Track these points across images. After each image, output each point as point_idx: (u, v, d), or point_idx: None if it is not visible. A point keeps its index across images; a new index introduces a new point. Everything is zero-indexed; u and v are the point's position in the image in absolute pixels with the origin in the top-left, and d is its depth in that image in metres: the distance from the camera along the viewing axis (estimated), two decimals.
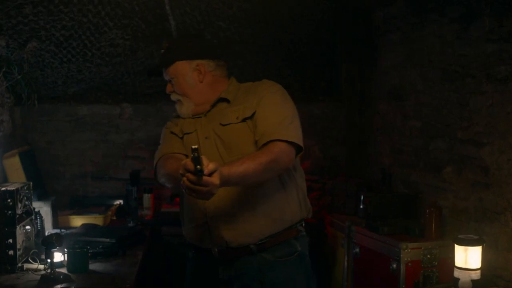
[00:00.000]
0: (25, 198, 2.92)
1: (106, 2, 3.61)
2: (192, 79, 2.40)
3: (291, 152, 2.23)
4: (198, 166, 1.84)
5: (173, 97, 2.47)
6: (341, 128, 4.62)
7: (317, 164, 4.49)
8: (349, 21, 4.33)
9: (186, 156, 2.36)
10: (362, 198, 3.89)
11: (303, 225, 2.44)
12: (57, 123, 4.37)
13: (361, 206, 3.88)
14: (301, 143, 2.26)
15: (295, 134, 2.26)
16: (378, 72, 4.27)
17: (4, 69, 3.63)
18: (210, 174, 1.88)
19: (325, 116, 4.57)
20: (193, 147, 1.86)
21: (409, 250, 3.20)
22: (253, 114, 2.30)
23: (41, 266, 2.78)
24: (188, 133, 2.44)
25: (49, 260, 2.65)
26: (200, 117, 2.44)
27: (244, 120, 2.32)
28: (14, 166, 3.64)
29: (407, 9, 3.84)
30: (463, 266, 2.89)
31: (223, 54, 2.54)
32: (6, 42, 3.66)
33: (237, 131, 2.32)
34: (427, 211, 3.35)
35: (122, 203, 4.14)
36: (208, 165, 1.86)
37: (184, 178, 1.90)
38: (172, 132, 2.48)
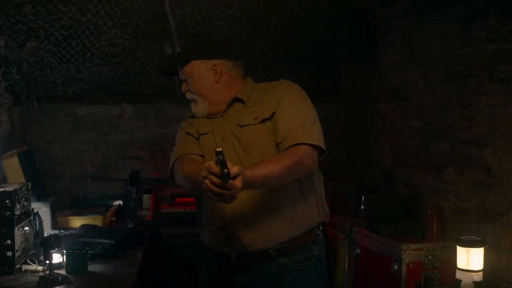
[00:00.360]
0: (23, 199, 2.89)
1: (105, 1, 3.58)
2: (208, 79, 2.37)
3: (314, 155, 2.20)
4: (226, 170, 1.81)
5: (188, 95, 2.43)
6: (341, 128, 4.60)
7: (318, 164, 4.40)
8: (349, 20, 4.31)
9: (203, 157, 2.35)
10: (363, 199, 3.88)
11: (320, 229, 2.43)
12: (56, 124, 4.35)
13: (362, 207, 3.87)
14: (323, 146, 2.23)
15: (318, 136, 2.23)
16: (379, 72, 4.25)
17: (2, 69, 3.62)
18: (233, 178, 1.85)
19: (325, 117, 4.38)
20: (217, 149, 1.83)
21: (411, 251, 3.18)
22: (272, 115, 2.27)
23: (40, 268, 2.76)
24: (204, 134, 2.40)
25: (47, 262, 2.63)
26: (217, 117, 2.41)
27: (262, 121, 2.29)
28: (13, 166, 3.61)
29: (407, 9, 3.81)
30: (465, 268, 2.87)
31: (240, 53, 2.51)
32: (4, 41, 3.65)
33: (255, 132, 2.29)
34: (429, 212, 3.34)
35: (121, 203, 4.12)
36: (232, 168, 1.83)
37: (207, 181, 1.87)
38: (187, 133, 2.44)
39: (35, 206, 3.29)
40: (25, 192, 2.94)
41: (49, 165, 4.32)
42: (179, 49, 2.47)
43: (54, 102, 4.32)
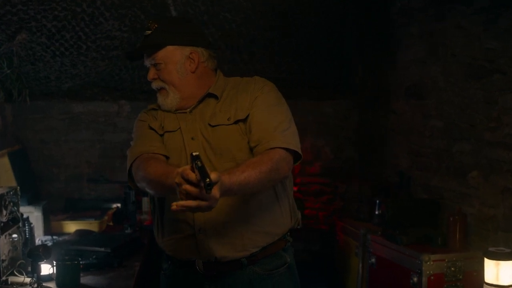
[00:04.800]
0: (11, 204, 2.76)
1: None
2: (184, 68, 2.22)
3: (290, 160, 2.11)
4: (208, 179, 1.64)
5: (156, 84, 2.24)
6: (354, 127, 4.59)
7: (328, 165, 4.48)
8: (364, 13, 4.26)
9: (167, 157, 2.19)
10: (377, 203, 3.79)
11: (289, 234, 2.33)
12: (51, 121, 4.31)
13: (377, 212, 3.79)
14: (299, 150, 2.14)
15: (294, 140, 2.14)
16: (395, 68, 4.22)
17: None
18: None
19: (337, 115, 4.54)
20: (194, 153, 1.71)
21: (432, 262, 3.11)
22: (247, 116, 2.16)
23: (28, 280, 2.62)
24: (170, 131, 2.25)
25: (35, 274, 2.54)
26: (185, 112, 2.25)
27: (236, 122, 2.17)
28: (3, 167, 3.53)
29: (426, 0, 3.75)
30: (494, 283, 2.76)
31: (213, 44, 2.32)
32: None
33: (228, 134, 2.17)
34: (451, 219, 3.27)
35: (119, 207, 4.01)
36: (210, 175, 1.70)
37: (181, 189, 1.74)
38: (150, 127, 2.27)
39: (26, 210, 3.23)
40: (13, 196, 2.80)
41: (42, 165, 4.29)
42: (149, 32, 2.26)
43: (48, 99, 4.26)
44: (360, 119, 4.52)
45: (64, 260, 2.64)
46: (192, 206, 1.74)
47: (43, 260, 2.56)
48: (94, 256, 2.92)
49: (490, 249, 2.79)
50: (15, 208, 2.80)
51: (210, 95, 2.24)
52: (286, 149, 2.08)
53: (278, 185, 2.19)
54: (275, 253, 2.24)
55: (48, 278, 2.61)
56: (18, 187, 2.88)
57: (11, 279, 2.62)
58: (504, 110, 3.05)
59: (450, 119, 3.53)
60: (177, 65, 2.21)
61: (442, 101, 3.61)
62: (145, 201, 3.91)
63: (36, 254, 2.54)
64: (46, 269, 2.63)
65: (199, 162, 1.67)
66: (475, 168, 3.30)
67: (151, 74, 2.23)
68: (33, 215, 3.34)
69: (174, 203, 1.76)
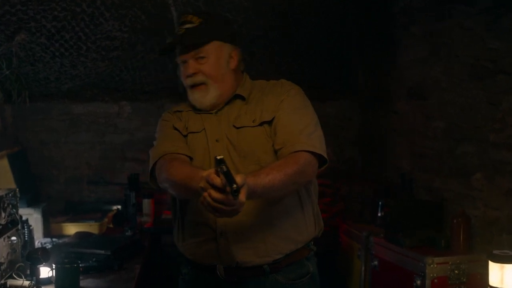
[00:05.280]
0: (10, 206, 2.74)
1: None
2: (226, 64, 2.20)
3: (315, 164, 2.07)
4: (235, 185, 1.62)
5: (197, 79, 2.18)
6: (355, 128, 4.57)
7: (330, 166, 4.30)
8: (364, 13, 4.22)
9: (190, 158, 2.16)
10: (380, 205, 3.73)
11: (313, 243, 2.30)
12: (51, 123, 4.30)
13: (379, 214, 3.73)
14: (325, 155, 2.10)
15: (320, 144, 2.10)
16: (397, 68, 4.16)
17: None
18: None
19: (338, 115, 4.53)
20: (218, 157, 1.66)
21: (435, 265, 3.04)
22: (273, 118, 2.13)
23: (27, 283, 2.59)
24: (194, 132, 2.22)
25: (34, 277, 2.52)
26: (211, 113, 2.22)
27: (261, 124, 2.14)
28: (2, 169, 3.53)
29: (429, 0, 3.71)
30: (499, 286, 2.69)
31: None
32: None
33: (252, 136, 2.14)
34: (454, 221, 3.21)
35: (120, 209, 4.03)
36: (236, 179, 1.66)
37: (206, 194, 1.72)
38: (175, 128, 2.24)
39: (26, 212, 3.23)
40: (12, 198, 2.78)
41: (42, 167, 4.28)
42: (190, 25, 2.19)
43: (48, 100, 4.25)
44: (361, 120, 4.49)
45: (64, 263, 2.62)
46: (215, 207, 1.71)
47: (42, 263, 2.54)
48: (94, 259, 2.91)
49: (495, 252, 2.74)
50: (14, 210, 2.78)
51: (237, 97, 2.21)
52: (312, 153, 2.04)
53: (303, 191, 2.17)
54: (298, 261, 2.21)
55: (48, 281, 2.59)
56: (17, 189, 2.86)
57: (10, 282, 2.60)
58: (509, 111, 3.00)
59: (453, 120, 3.48)
60: (222, 60, 2.18)
61: (444, 102, 3.56)
62: (146, 202, 3.90)
63: (35, 257, 2.52)
64: (45, 272, 2.62)
65: (224, 167, 1.63)
66: (478, 169, 3.25)
67: (192, 67, 2.17)
68: (33, 217, 3.33)
69: (202, 198, 1.73)
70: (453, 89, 3.48)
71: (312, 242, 2.27)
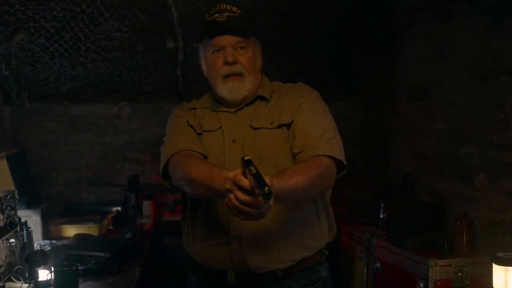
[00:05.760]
0: (8, 208, 2.73)
1: None
2: (260, 60, 2.19)
3: (335, 169, 2.02)
4: (266, 188, 1.54)
5: (238, 68, 2.11)
6: (357, 129, 4.51)
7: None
8: (367, 12, 4.18)
9: (205, 157, 2.09)
10: (382, 206, 3.72)
11: (325, 248, 2.27)
12: (50, 124, 4.26)
13: (381, 216, 3.72)
14: (344, 161, 2.05)
15: (339, 150, 2.06)
16: (399, 69, 4.15)
17: None
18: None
19: (339, 116, 4.33)
20: (245, 158, 1.63)
21: (438, 268, 3.04)
22: (291, 121, 2.09)
23: (25, 286, 2.59)
24: (209, 131, 2.16)
25: (33, 280, 2.51)
26: (229, 112, 2.16)
27: (279, 126, 2.09)
28: (1, 170, 3.52)
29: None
30: None
31: None
32: None
33: (270, 138, 2.09)
34: (457, 223, 3.21)
35: (119, 210, 4.01)
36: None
37: (232, 196, 1.67)
38: (189, 124, 2.18)
39: (25, 214, 3.21)
40: (11, 200, 2.76)
41: (41, 168, 4.22)
42: (230, 14, 2.12)
43: (47, 101, 4.21)
44: (363, 121, 4.46)
45: (63, 265, 2.57)
46: (242, 210, 1.66)
47: (41, 266, 2.53)
48: (93, 261, 2.88)
49: (499, 254, 2.71)
50: (13, 212, 2.76)
51: (257, 97, 2.17)
52: (331, 158, 2.00)
53: (318, 196, 2.13)
54: (311, 266, 2.17)
55: (46, 284, 2.58)
56: (16, 191, 2.84)
57: (8, 285, 2.60)
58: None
59: (455, 120, 3.47)
60: (257, 56, 2.16)
61: (446, 103, 3.55)
62: (146, 204, 3.88)
63: (34, 260, 2.51)
64: (44, 275, 2.59)
65: (253, 168, 1.59)
66: (481, 171, 3.24)
67: (232, 55, 2.10)
68: (32, 219, 3.32)
69: (227, 200, 1.69)
70: (455, 90, 3.47)
71: (324, 247, 2.25)
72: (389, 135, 4.27)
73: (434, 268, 3.00)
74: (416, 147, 3.91)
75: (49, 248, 3.27)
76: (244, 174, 1.64)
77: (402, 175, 3.88)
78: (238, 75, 2.10)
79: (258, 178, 1.57)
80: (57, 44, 3.80)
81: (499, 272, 2.67)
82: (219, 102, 2.19)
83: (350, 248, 3.83)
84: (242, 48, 2.10)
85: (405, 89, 4.03)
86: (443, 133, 3.59)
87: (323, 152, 1.98)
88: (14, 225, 2.75)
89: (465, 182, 3.38)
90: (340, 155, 2.03)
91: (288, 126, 2.08)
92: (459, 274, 3.03)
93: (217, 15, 2.10)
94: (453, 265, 3.04)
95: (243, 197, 1.64)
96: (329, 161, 1.97)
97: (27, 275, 2.62)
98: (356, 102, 4.49)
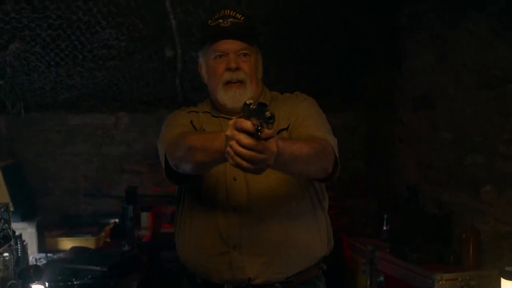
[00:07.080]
0: (2, 221, 2.67)
1: None
2: (261, 69, 2.19)
3: (333, 157, 1.95)
4: (268, 113, 1.45)
5: (240, 75, 2.09)
6: (360, 139, 4.50)
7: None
8: (370, 19, 4.12)
9: None
10: (385, 218, 3.68)
11: (322, 261, 2.25)
12: (46, 134, 4.27)
13: (385, 228, 3.67)
14: (338, 161, 2.00)
15: (335, 145, 2.02)
16: (403, 77, 4.10)
17: None
18: (266, 139, 1.55)
19: (343, 126, 4.44)
20: (247, 101, 1.55)
21: (444, 282, 2.97)
22: (289, 126, 2.09)
23: None
24: None
25: None
26: (230, 118, 2.09)
27: (279, 132, 2.05)
28: None
29: (436, 5, 3.62)
30: None
31: None
32: None
33: None
34: (463, 235, 3.14)
35: (117, 222, 3.97)
36: (264, 130, 1.54)
37: (233, 142, 1.55)
38: (193, 124, 2.17)
39: (20, 226, 3.24)
40: (4, 213, 2.70)
41: (38, 179, 4.23)
42: (234, 20, 2.13)
43: (43, 110, 4.21)
44: (367, 131, 4.43)
45: (57, 280, 2.59)
46: (245, 154, 1.55)
47: (34, 282, 2.50)
48: (89, 276, 2.89)
49: (507, 268, 2.62)
50: (6, 225, 2.70)
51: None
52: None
53: (317, 205, 2.13)
54: (309, 280, 2.16)
55: None
56: (10, 203, 2.91)
57: None
58: None
59: (461, 130, 3.42)
60: (259, 64, 2.16)
61: (452, 112, 3.50)
62: (144, 216, 3.88)
63: (27, 275, 2.49)
64: None
65: (252, 105, 1.51)
66: (488, 182, 3.18)
67: (235, 62, 2.09)
68: (27, 231, 3.35)
69: (228, 148, 1.59)
70: (461, 99, 3.42)
71: (322, 260, 2.22)
72: (393, 145, 4.22)
73: (440, 282, 2.94)
74: (421, 157, 3.86)
75: (44, 262, 3.27)
76: (247, 116, 1.57)
77: (407, 186, 3.83)
78: (240, 82, 2.09)
79: (258, 110, 1.50)
80: (53, 53, 3.76)
81: (507, 287, 2.58)
82: (218, 109, 2.17)
83: (353, 261, 3.78)
84: (245, 55, 2.10)
85: (409, 97, 3.99)
86: (449, 143, 3.54)
87: (323, 137, 1.97)
88: (7, 239, 2.68)
89: (471, 193, 3.33)
90: (336, 150, 2.00)
91: (287, 129, 2.08)
92: None
93: (221, 20, 2.10)
94: (460, 279, 2.98)
95: (245, 140, 1.53)
96: (329, 146, 1.94)
97: None
98: (360, 112, 4.48)
